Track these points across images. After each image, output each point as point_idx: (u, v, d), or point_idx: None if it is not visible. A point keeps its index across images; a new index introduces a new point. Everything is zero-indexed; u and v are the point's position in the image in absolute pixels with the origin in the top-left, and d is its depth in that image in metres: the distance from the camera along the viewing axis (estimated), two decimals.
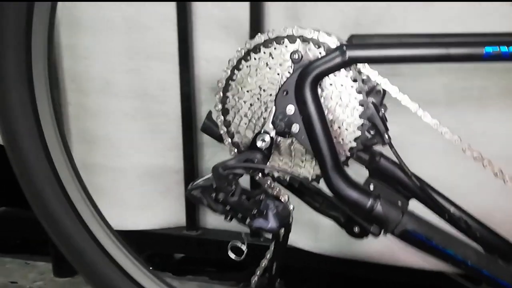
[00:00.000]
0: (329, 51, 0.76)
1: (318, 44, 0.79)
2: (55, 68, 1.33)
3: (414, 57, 0.73)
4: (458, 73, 1.12)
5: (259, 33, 0.81)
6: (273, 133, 0.78)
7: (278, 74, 0.80)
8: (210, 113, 0.88)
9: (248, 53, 0.81)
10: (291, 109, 0.77)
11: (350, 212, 0.79)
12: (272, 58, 0.80)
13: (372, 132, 0.84)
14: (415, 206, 0.86)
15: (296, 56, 0.76)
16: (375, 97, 0.83)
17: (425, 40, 0.83)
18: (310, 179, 0.83)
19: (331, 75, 0.78)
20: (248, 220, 0.79)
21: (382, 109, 0.85)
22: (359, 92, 0.79)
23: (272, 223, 0.80)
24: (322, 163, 0.76)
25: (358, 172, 0.85)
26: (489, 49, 0.71)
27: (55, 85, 1.33)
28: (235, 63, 0.82)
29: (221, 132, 0.84)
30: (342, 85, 0.79)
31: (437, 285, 1.26)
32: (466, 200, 0.87)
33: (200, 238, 1.37)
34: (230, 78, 0.82)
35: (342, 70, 0.78)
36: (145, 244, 1.42)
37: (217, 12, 1.24)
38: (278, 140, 0.81)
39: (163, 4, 1.25)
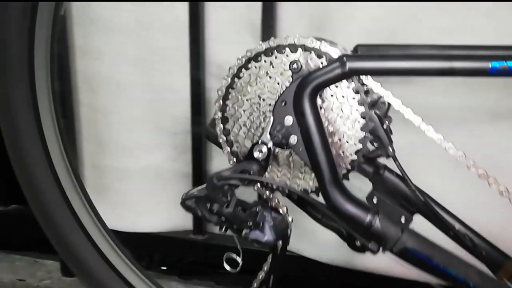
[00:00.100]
0: (330, 62, 0.74)
1: (319, 54, 0.77)
2: (68, 67, 1.34)
3: (416, 70, 0.70)
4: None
5: (260, 41, 0.79)
6: (270, 144, 0.76)
7: (278, 83, 0.78)
8: (213, 120, 0.87)
9: (248, 61, 0.79)
10: (289, 120, 0.75)
11: (348, 228, 0.77)
12: (273, 67, 0.78)
13: (376, 144, 0.82)
14: (420, 221, 0.84)
15: (295, 66, 0.74)
16: (379, 108, 0.81)
17: (430, 52, 0.80)
18: (309, 191, 0.82)
19: (332, 86, 0.77)
20: (244, 232, 0.77)
21: (387, 121, 0.83)
22: (361, 104, 0.77)
23: (268, 235, 0.78)
24: (320, 176, 0.74)
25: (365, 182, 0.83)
26: (495, 64, 0.68)
27: (67, 85, 1.34)
28: (235, 71, 0.80)
29: (220, 140, 0.83)
30: (343, 97, 0.77)
31: None
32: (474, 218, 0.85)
33: (206, 243, 1.37)
34: (230, 86, 0.81)
35: (344, 81, 0.76)
36: (151, 246, 1.41)
37: (229, 15, 1.23)
38: (276, 151, 0.79)
39: (176, 6, 1.24)
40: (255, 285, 0.86)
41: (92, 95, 1.35)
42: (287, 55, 0.77)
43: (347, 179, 0.82)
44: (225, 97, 0.81)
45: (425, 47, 0.83)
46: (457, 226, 0.86)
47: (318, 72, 0.73)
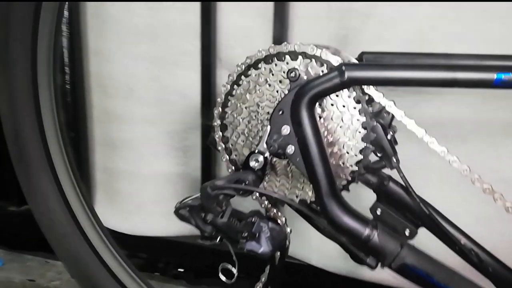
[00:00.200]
0: (329, 71, 0.72)
1: (321, 62, 0.75)
2: (81, 70, 1.34)
3: (417, 80, 0.68)
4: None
5: (260, 48, 0.78)
6: (267, 154, 0.75)
7: (277, 91, 0.77)
8: (213, 127, 0.86)
9: (248, 68, 0.78)
10: (286, 129, 0.73)
11: (345, 241, 0.75)
12: (272, 74, 0.77)
13: (379, 155, 0.80)
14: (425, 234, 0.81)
15: (293, 74, 0.73)
16: (383, 118, 0.79)
17: (435, 61, 0.78)
18: (308, 202, 0.80)
19: (332, 95, 0.75)
20: (239, 242, 0.76)
21: (391, 131, 0.80)
22: (362, 114, 0.75)
23: (264, 246, 0.76)
24: (317, 187, 0.72)
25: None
26: (500, 75, 0.65)
27: (80, 87, 1.35)
28: (235, 78, 0.79)
29: (219, 148, 0.82)
30: (344, 106, 0.75)
31: None
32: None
33: (214, 248, 1.35)
34: (229, 94, 0.80)
35: (345, 90, 0.74)
36: (159, 251, 1.41)
37: (240, 21, 1.21)
38: (274, 160, 0.78)
39: (188, 12, 1.23)
40: None
41: (104, 98, 1.36)
42: (287, 63, 0.76)
43: (348, 190, 0.80)
44: (224, 104, 0.80)
45: (431, 55, 0.80)
46: (463, 240, 0.83)
47: (316, 81, 0.71)
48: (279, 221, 0.80)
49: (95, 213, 0.95)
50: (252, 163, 0.74)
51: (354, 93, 0.74)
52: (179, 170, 1.35)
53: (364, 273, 1.20)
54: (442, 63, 0.79)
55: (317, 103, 0.75)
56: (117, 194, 1.40)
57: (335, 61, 0.74)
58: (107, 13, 1.29)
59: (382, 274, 0.79)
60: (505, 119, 1.05)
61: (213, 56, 1.25)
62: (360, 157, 0.77)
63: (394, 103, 0.78)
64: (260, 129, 0.78)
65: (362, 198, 0.82)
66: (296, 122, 0.72)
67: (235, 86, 0.79)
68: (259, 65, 0.77)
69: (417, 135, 0.73)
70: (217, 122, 0.81)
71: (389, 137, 0.79)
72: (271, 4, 1.15)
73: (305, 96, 0.71)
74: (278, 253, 0.81)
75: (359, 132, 0.76)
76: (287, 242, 0.80)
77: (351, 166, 0.77)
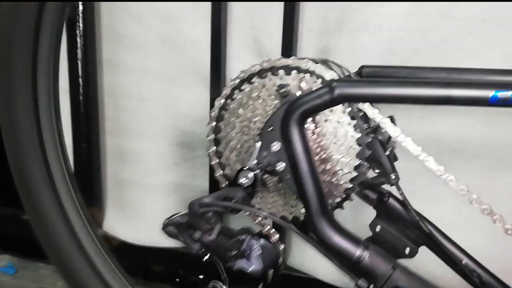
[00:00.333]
0: (319, 87, 0.70)
1: (315, 76, 0.73)
2: (95, 82, 1.36)
3: (410, 97, 0.65)
4: None
5: (255, 63, 0.77)
6: (257, 170, 0.73)
7: (270, 106, 0.75)
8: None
9: (242, 82, 0.77)
10: (276, 146, 0.72)
11: (336, 262, 0.72)
12: (265, 89, 0.75)
13: (378, 171, 0.78)
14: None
15: (283, 90, 0.71)
16: (381, 134, 0.77)
17: (436, 76, 0.76)
18: (302, 219, 0.78)
19: (326, 111, 0.73)
20: (229, 260, 0.74)
21: (390, 147, 0.78)
22: (357, 130, 0.73)
23: (255, 264, 0.75)
24: (307, 206, 0.71)
25: None
26: (495, 95, 0.62)
27: (93, 99, 1.36)
28: (228, 93, 0.78)
29: (213, 163, 0.81)
30: (338, 122, 0.73)
31: None
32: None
33: None
34: (223, 108, 0.79)
35: (340, 106, 0.72)
36: (167, 261, 1.41)
37: (251, 34, 1.21)
38: (265, 177, 0.76)
39: (199, 25, 1.23)
40: None
41: (117, 110, 1.36)
42: (280, 78, 0.74)
43: (342, 208, 0.78)
44: (218, 119, 0.79)
45: (431, 69, 0.78)
46: (465, 260, 0.80)
47: (306, 98, 0.69)
48: (272, 238, 0.78)
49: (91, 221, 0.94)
50: (242, 180, 0.73)
51: (348, 109, 0.72)
52: (187, 181, 1.35)
53: None
54: (442, 77, 0.77)
55: (310, 119, 0.73)
56: (128, 205, 1.40)
57: (329, 76, 0.73)
58: (120, 26, 1.30)
59: None
60: None
61: (223, 68, 1.25)
62: (355, 174, 0.75)
63: (392, 119, 0.76)
64: (252, 144, 0.76)
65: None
66: (286, 139, 0.70)
67: (229, 101, 0.78)
68: (253, 80, 0.76)
69: (412, 153, 0.71)
70: (210, 137, 0.80)
71: (387, 153, 0.77)
72: (281, 16, 1.14)
73: (295, 113, 0.69)
74: (271, 270, 0.79)
75: (354, 148, 0.74)
76: (280, 260, 0.79)
77: (346, 183, 0.75)
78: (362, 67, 0.82)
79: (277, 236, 0.78)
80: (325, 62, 0.82)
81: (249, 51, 1.22)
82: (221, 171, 0.81)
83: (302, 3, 1.12)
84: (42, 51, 0.87)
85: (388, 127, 0.71)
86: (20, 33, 0.84)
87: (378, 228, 0.84)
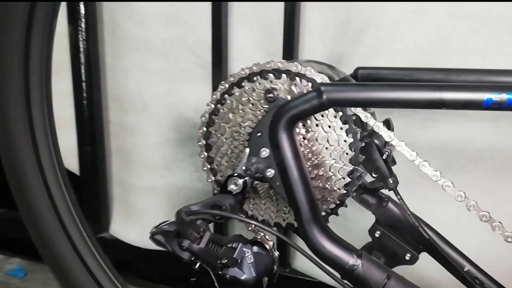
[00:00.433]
0: (308, 91, 0.68)
1: (306, 80, 0.71)
2: (99, 86, 1.35)
3: (401, 101, 0.62)
4: None
5: (244, 67, 0.75)
6: (247, 177, 0.71)
7: (260, 111, 0.73)
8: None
9: (232, 87, 0.75)
10: (265, 152, 0.70)
11: (327, 271, 0.70)
12: (255, 93, 0.73)
13: (375, 175, 0.75)
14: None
15: (270, 95, 0.69)
16: (378, 138, 0.74)
17: (432, 77, 0.73)
18: (295, 225, 0.76)
19: (317, 115, 0.71)
20: (221, 269, 0.72)
21: (388, 151, 0.76)
22: (350, 135, 0.71)
23: (248, 273, 0.73)
24: (297, 213, 0.68)
25: None
26: (490, 98, 0.59)
27: (97, 103, 1.36)
28: (218, 97, 0.76)
29: (204, 169, 0.79)
30: (330, 127, 0.71)
31: None
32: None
33: None
34: (213, 113, 0.77)
35: (331, 110, 0.70)
36: (170, 266, 1.40)
37: (253, 36, 1.19)
38: (256, 183, 0.74)
39: (200, 27, 1.22)
40: None
41: (120, 113, 1.36)
42: (270, 81, 0.72)
43: (336, 214, 0.75)
44: (208, 124, 0.78)
45: (427, 70, 0.75)
46: (467, 267, 0.77)
47: (294, 102, 0.67)
48: (266, 246, 0.76)
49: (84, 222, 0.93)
50: (231, 187, 0.71)
51: (340, 113, 0.70)
52: (191, 184, 1.34)
53: None
54: (440, 78, 0.74)
55: (301, 124, 0.71)
56: (133, 208, 1.40)
57: (320, 79, 0.70)
58: (122, 30, 1.29)
59: None
60: None
61: (225, 70, 1.23)
62: (348, 180, 0.72)
63: (388, 122, 0.74)
64: (242, 150, 0.74)
65: None
66: (274, 145, 0.68)
67: (219, 105, 0.76)
68: (243, 84, 0.74)
69: (407, 157, 0.68)
70: (201, 142, 0.78)
71: (384, 157, 0.75)
72: (282, 18, 1.12)
73: (283, 118, 0.67)
74: (266, 278, 0.77)
75: (347, 154, 0.71)
76: (275, 267, 0.77)
77: (339, 189, 0.73)
78: (357, 68, 0.80)
79: (271, 243, 0.76)
80: (320, 65, 0.80)
81: (252, 52, 1.20)
82: (213, 177, 0.79)
83: (302, 3, 1.10)
84: (34, 50, 0.85)
85: (382, 131, 0.69)
86: (12, 31, 0.83)
87: (377, 234, 0.82)
